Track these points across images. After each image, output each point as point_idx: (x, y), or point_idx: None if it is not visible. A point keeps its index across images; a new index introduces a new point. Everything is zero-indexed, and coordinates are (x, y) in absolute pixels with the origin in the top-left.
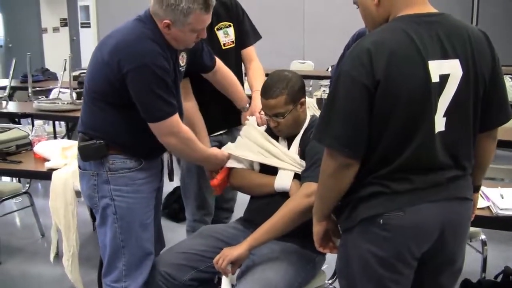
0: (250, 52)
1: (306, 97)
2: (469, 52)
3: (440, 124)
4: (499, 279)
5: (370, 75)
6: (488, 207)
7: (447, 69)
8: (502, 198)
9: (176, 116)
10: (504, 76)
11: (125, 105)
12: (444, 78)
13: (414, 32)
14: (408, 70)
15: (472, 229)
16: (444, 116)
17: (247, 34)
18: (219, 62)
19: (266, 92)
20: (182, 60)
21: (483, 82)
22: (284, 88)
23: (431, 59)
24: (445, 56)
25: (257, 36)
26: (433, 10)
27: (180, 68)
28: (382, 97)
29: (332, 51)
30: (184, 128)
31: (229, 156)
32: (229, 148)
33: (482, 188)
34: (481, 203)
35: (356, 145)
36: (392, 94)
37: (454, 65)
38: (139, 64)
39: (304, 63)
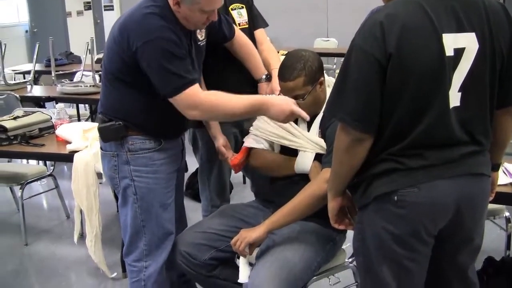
0: (261, 34)
1: (326, 75)
2: (485, 25)
3: (455, 99)
4: None
5: (382, 49)
6: (510, 184)
7: (462, 43)
8: None
9: (192, 88)
10: None
11: (141, 84)
12: (459, 52)
13: (428, 5)
14: (421, 43)
15: (495, 206)
16: (459, 91)
17: (256, 18)
18: (238, 32)
19: (284, 74)
20: (201, 34)
21: (501, 57)
22: (302, 69)
23: (445, 32)
24: (460, 29)
25: (265, 22)
26: None
27: (199, 43)
28: (395, 71)
29: (356, 28)
30: (204, 95)
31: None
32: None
33: (505, 164)
34: (504, 179)
35: (368, 119)
36: (404, 68)
37: (470, 39)
38: (145, 40)
39: (328, 40)
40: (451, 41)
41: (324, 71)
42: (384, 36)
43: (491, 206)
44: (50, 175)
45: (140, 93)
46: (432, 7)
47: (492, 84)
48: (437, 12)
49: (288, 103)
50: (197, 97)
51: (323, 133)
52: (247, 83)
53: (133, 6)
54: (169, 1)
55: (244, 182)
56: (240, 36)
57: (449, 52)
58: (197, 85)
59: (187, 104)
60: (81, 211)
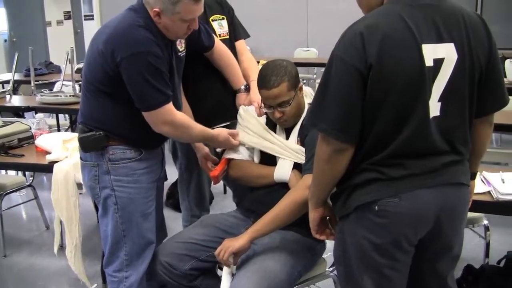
0: (242, 45)
1: (303, 85)
2: (464, 36)
3: (435, 109)
4: (501, 264)
5: (362, 59)
6: (489, 192)
7: (442, 53)
8: (503, 182)
9: (170, 105)
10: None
11: (122, 95)
12: (439, 62)
13: (408, 16)
14: (401, 54)
15: (474, 214)
16: (439, 101)
17: (238, 28)
18: (218, 42)
19: (267, 82)
20: (181, 45)
21: (479, 67)
22: (284, 75)
23: (425, 43)
24: (440, 40)
25: (246, 34)
26: None
27: (179, 54)
28: (375, 81)
29: (336, 38)
30: (179, 115)
31: (236, 143)
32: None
33: (484, 172)
34: (482, 187)
35: (349, 130)
36: (385, 78)
37: (449, 49)
38: (132, 52)
39: (308, 50)
40: (430, 52)
41: (302, 80)
42: (364, 46)
43: (470, 214)
44: (29, 185)
45: (120, 104)
46: (412, 18)
47: (471, 94)
48: (416, 23)
49: (223, 134)
50: (173, 115)
51: (302, 142)
52: (227, 92)
53: (116, 17)
54: (150, 13)
55: (225, 192)
56: (220, 46)
57: (429, 62)
58: (171, 103)
59: (162, 119)
60: (61, 222)
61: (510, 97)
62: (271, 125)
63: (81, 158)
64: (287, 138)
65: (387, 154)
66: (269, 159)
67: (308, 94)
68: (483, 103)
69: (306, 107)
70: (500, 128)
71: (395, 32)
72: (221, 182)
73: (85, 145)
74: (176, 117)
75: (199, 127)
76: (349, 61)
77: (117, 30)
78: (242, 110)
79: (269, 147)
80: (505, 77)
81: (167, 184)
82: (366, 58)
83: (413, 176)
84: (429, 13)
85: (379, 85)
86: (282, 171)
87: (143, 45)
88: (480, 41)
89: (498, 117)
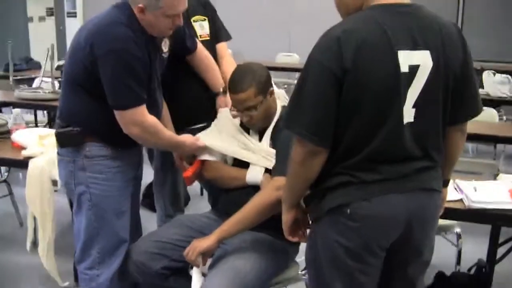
0: (223, 48)
1: (276, 87)
2: (439, 44)
3: (409, 115)
4: (472, 272)
5: (339, 63)
6: (461, 200)
7: (417, 60)
8: (475, 190)
9: (142, 108)
10: (488, 71)
11: (99, 91)
12: (414, 68)
13: (385, 22)
14: (377, 59)
15: (447, 222)
16: (413, 107)
17: (219, 31)
18: (199, 46)
19: (235, 86)
20: (165, 45)
21: (453, 75)
22: (252, 80)
23: (401, 49)
24: (415, 47)
25: (228, 36)
26: (406, 0)
27: (163, 55)
28: (350, 86)
29: None
30: (150, 118)
31: (202, 144)
32: (203, 138)
33: (456, 180)
34: (454, 195)
35: (324, 133)
36: (360, 83)
37: (424, 56)
38: (110, 49)
39: (290, 55)
40: (406, 58)
41: (282, 86)
42: (341, 51)
43: (442, 222)
44: (4, 181)
45: (98, 100)
46: (389, 24)
47: (445, 102)
48: (393, 30)
49: (189, 139)
50: (144, 117)
51: (274, 144)
52: (205, 94)
53: (100, 13)
54: (134, 10)
55: (202, 193)
56: (201, 50)
57: (404, 68)
58: (144, 106)
59: (132, 120)
60: (34, 219)
61: (487, 107)
62: (245, 126)
63: (57, 153)
64: (260, 139)
65: (360, 158)
66: (242, 161)
67: (281, 97)
68: (456, 111)
69: (279, 109)
70: (476, 138)
71: (372, 37)
72: (198, 184)
73: (61, 140)
74: (147, 120)
75: (167, 134)
76: (326, 65)
77: (98, 26)
78: (220, 112)
79: (240, 152)
80: (483, 88)
81: (143, 184)
82: (342, 62)
83: (386, 181)
84: (405, 20)
85: (354, 89)
86: (254, 174)
87: (121, 42)
88: (455, 50)
89: (475, 127)
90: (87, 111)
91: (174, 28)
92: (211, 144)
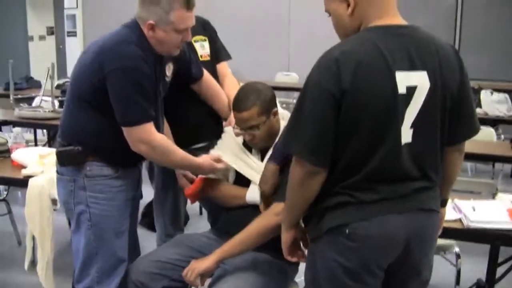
0: (224, 67)
1: (281, 108)
2: (436, 65)
3: (407, 135)
4: None
5: (337, 84)
6: (459, 219)
7: (414, 81)
8: (474, 210)
9: (150, 125)
10: (485, 90)
11: (105, 109)
12: (412, 89)
13: (383, 44)
14: (374, 81)
15: (445, 241)
16: (411, 127)
17: (220, 51)
18: (206, 74)
19: (239, 105)
20: (169, 70)
21: (451, 96)
22: (256, 100)
23: (398, 71)
24: (413, 68)
25: (228, 55)
26: (403, 22)
27: (166, 79)
28: (349, 107)
29: None
30: (158, 137)
31: (221, 166)
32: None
33: (455, 200)
34: (453, 215)
35: (322, 153)
36: (358, 104)
37: (422, 77)
38: (120, 66)
39: (288, 75)
40: (403, 79)
41: (280, 105)
42: (339, 72)
43: (441, 241)
44: (3, 200)
45: (103, 117)
46: (386, 46)
47: (442, 122)
48: (391, 51)
49: (208, 161)
50: (152, 134)
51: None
52: (206, 113)
53: (110, 32)
54: (143, 28)
55: (201, 213)
56: (208, 77)
57: (402, 89)
58: (152, 123)
59: (139, 137)
60: (33, 238)
61: (485, 126)
62: (248, 145)
63: (57, 172)
64: (262, 159)
65: (359, 178)
66: (243, 180)
67: (285, 117)
68: (454, 131)
69: (282, 130)
70: (474, 157)
71: (370, 59)
72: (197, 203)
73: (62, 159)
74: (156, 138)
75: (180, 153)
76: (324, 86)
77: (108, 43)
78: (224, 130)
79: (243, 168)
80: (480, 107)
81: (143, 203)
82: (341, 84)
83: (384, 201)
84: (403, 42)
85: (353, 110)
86: (253, 193)
87: (131, 60)
88: (452, 70)
89: (473, 146)
90: (90, 128)
91: (183, 43)
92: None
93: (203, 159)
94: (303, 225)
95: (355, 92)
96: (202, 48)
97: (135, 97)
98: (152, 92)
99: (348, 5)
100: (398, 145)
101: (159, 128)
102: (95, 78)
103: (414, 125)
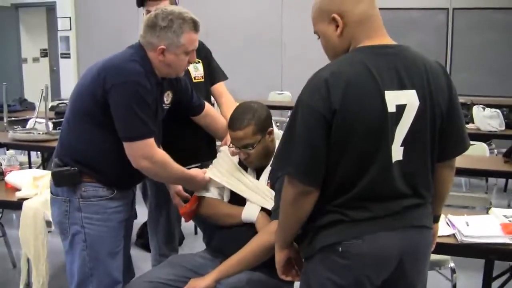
0: (221, 87)
1: (276, 128)
2: (425, 83)
3: (397, 153)
4: None
5: (327, 105)
6: (453, 235)
7: (404, 100)
8: (467, 225)
9: (151, 140)
10: (477, 105)
11: (107, 125)
12: (401, 108)
13: (372, 63)
14: (364, 100)
15: (440, 257)
16: (401, 145)
17: (216, 71)
18: (208, 106)
19: (234, 123)
20: (167, 98)
21: (440, 113)
22: (251, 119)
23: (388, 90)
24: (402, 86)
25: (224, 76)
26: (392, 42)
27: (163, 105)
28: (339, 127)
29: None
30: (159, 152)
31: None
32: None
33: (449, 215)
34: (447, 230)
35: (314, 173)
36: (348, 124)
37: (411, 96)
38: (123, 80)
39: (282, 94)
40: (393, 98)
41: (274, 123)
42: (329, 92)
43: (436, 257)
44: None
45: (104, 135)
46: (375, 66)
47: (432, 139)
48: (380, 71)
49: (200, 174)
50: (153, 150)
51: (272, 185)
52: (199, 135)
53: (115, 54)
54: (148, 53)
55: (196, 233)
56: (210, 111)
57: (391, 108)
58: (153, 139)
59: (141, 153)
60: (28, 260)
61: (478, 142)
62: (243, 164)
63: (51, 193)
64: (258, 178)
65: (351, 196)
66: (238, 199)
67: (280, 137)
68: (444, 147)
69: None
70: (469, 172)
71: (359, 79)
72: (192, 223)
73: (58, 180)
74: (157, 153)
75: (178, 168)
76: (314, 106)
77: (112, 60)
78: (220, 149)
79: (238, 187)
80: (473, 123)
81: (137, 224)
82: (331, 104)
83: (376, 219)
84: (392, 61)
85: (343, 130)
86: (250, 212)
87: (134, 75)
88: (441, 88)
89: (466, 161)
90: (90, 145)
91: (188, 65)
92: (213, 176)
93: (196, 172)
94: (296, 244)
95: (345, 112)
96: (196, 70)
97: (136, 111)
98: (154, 107)
99: (337, 27)
100: (389, 164)
101: (159, 144)
102: (98, 93)
103: (404, 143)
